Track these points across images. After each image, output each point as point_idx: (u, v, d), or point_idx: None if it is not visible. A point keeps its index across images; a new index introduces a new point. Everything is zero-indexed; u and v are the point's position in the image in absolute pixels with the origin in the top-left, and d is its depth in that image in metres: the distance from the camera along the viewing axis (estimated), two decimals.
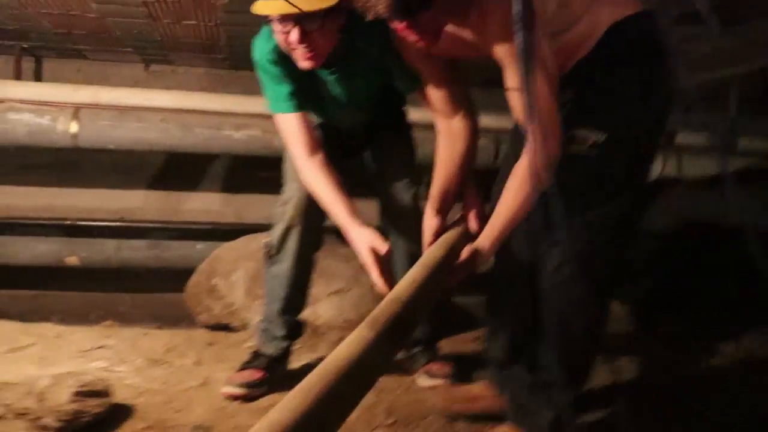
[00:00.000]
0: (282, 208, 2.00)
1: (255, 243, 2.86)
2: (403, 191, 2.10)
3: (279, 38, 1.67)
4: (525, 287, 1.72)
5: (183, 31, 2.85)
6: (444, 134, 1.76)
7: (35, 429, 1.56)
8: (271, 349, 2.11)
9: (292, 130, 1.80)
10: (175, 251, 3.29)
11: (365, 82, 1.90)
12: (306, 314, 2.63)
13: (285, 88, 1.80)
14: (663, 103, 1.55)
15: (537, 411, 1.67)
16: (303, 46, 1.63)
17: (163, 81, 3.56)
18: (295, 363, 2.25)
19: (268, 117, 3.11)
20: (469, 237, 1.64)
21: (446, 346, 2.48)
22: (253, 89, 3.50)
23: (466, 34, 1.48)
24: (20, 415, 1.57)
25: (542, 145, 1.36)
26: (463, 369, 2.19)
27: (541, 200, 1.41)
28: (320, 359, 2.34)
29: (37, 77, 3.47)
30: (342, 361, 0.98)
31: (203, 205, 3.66)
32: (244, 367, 2.05)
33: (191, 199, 3.65)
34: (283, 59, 1.77)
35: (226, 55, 3.26)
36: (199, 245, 3.27)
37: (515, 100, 1.44)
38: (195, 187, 3.66)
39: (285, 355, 2.16)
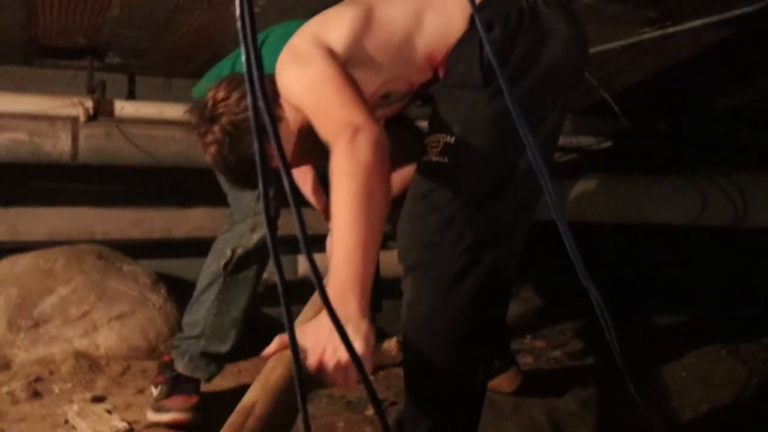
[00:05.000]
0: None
1: (19, 265, 2.44)
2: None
3: None
4: None
5: None
6: None
7: None
8: (207, 372, 1.91)
9: None
10: None
11: None
12: (81, 345, 2.29)
13: None
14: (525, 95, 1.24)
15: None
16: None
17: None
18: (65, 400, 1.91)
19: (37, 118, 2.71)
20: None
21: None
22: (21, 85, 3.04)
23: None
24: None
25: (350, 138, 1.05)
26: None
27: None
28: (97, 398, 2.05)
29: None
30: None
31: None
32: (171, 393, 1.84)
33: None
34: None
35: None
36: None
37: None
38: None
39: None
